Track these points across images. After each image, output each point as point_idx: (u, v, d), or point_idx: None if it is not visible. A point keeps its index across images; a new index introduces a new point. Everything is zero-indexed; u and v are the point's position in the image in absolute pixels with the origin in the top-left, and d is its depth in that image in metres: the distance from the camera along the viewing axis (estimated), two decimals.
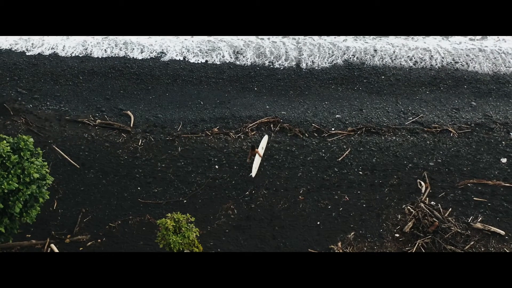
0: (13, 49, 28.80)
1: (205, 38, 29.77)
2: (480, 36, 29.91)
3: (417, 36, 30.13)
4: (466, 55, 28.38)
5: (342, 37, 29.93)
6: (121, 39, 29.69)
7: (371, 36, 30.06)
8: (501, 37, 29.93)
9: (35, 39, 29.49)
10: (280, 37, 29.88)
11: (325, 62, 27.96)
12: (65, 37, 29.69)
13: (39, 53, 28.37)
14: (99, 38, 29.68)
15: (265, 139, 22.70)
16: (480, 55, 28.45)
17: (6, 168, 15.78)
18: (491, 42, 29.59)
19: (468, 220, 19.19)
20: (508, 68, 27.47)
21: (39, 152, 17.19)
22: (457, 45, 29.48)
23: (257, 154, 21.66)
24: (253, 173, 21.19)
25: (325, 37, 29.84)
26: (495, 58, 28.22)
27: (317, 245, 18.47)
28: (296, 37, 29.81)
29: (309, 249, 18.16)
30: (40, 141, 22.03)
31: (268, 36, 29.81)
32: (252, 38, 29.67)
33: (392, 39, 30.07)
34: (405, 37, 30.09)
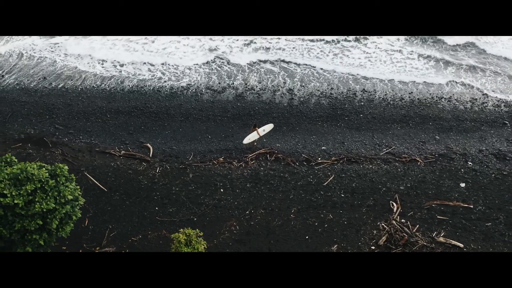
0: (51, 93, 29.15)
1: (214, 80, 30.22)
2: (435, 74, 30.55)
3: (391, 78, 30.75)
4: (431, 97, 28.88)
5: (331, 70, 31.11)
6: (142, 83, 30.17)
7: (352, 78, 30.56)
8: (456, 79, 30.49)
9: (70, 85, 29.95)
10: (275, 76, 30.35)
11: (313, 103, 28.37)
12: (95, 81, 30.15)
13: (73, 96, 28.76)
14: (124, 84, 30.11)
15: (270, 126, 25.07)
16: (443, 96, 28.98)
17: (45, 191, 16.12)
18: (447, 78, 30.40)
19: (432, 235, 19.48)
20: (465, 108, 28.01)
21: (72, 178, 17.44)
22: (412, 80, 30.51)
23: (256, 131, 23.69)
24: (244, 142, 23.46)
25: (316, 81, 30.33)
26: (455, 99, 28.76)
27: None
28: (291, 77, 30.30)
29: None
30: (74, 169, 22.34)
31: (265, 82, 30.28)
32: (252, 79, 30.21)
33: (371, 77, 30.89)
34: (382, 80, 30.66)
